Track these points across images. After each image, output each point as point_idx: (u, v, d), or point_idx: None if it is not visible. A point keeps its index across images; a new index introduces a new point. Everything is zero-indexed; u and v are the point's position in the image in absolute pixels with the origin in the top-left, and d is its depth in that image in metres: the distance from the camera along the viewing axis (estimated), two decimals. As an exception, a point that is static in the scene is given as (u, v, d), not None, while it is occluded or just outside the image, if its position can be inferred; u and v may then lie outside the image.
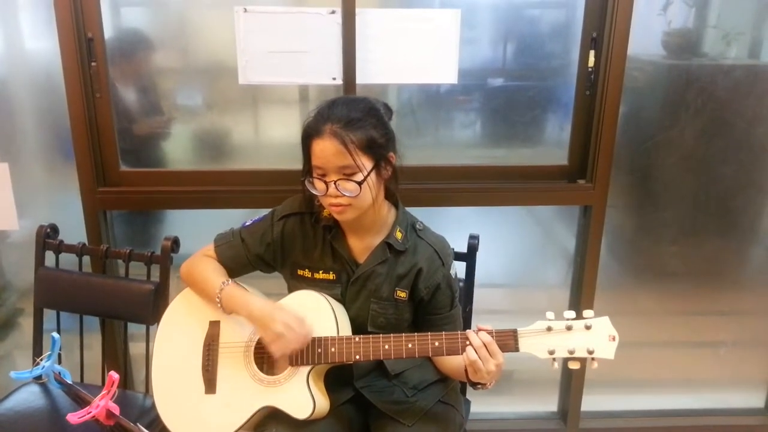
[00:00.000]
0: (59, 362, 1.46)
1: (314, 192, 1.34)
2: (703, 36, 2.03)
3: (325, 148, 1.29)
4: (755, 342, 2.33)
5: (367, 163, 1.31)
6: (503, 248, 2.16)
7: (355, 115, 1.30)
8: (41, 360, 0.99)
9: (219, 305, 1.40)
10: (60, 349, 1.20)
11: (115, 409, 0.89)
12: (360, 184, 1.29)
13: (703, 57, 2.03)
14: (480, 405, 1.85)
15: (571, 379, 2.23)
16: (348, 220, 1.38)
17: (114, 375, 0.87)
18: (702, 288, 2.29)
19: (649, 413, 2.37)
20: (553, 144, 2.05)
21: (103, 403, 0.86)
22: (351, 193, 1.30)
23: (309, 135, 1.32)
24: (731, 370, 2.36)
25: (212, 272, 1.44)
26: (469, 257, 1.73)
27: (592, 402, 2.29)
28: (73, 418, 0.86)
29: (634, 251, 2.24)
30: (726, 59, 2.04)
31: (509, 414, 2.34)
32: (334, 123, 1.29)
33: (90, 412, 0.86)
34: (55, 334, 1.00)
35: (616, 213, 2.06)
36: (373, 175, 1.32)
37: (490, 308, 1.99)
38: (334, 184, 1.30)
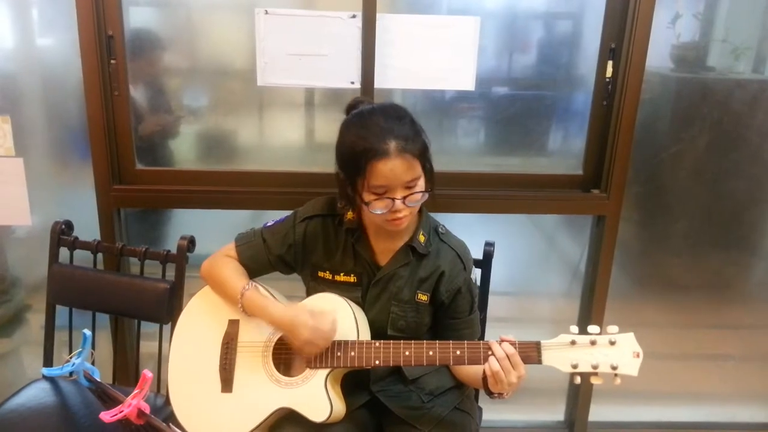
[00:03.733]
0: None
1: (377, 212, 1.30)
2: (711, 49, 2.04)
3: (395, 167, 1.26)
4: (763, 356, 2.34)
5: (421, 171, 1.32)
6: (506, 256, 2.15)
7: (411, 128, 1.31)
8: (71, 357, 0.98)
9: (240, 308, 1.40)
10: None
11: (146, 409, 0.88)
12: (425, 192, 1.31)
13: (711, 71, 2.04)
14: (488, 413, 1.85)
15: (579, 389, 2.22)
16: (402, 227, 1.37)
17: (148, 374, 0.87)
18: (711, 301, 2.29)
19: (656, 425, 2.37)
20: (567, 153, 2.06)
21: (135, 402, 0.86)
22: (418, 203, 1.32)
23: (370, 157, 1.26)
24: (739, 383, 2.36)
25: (233, 274, 1.44)
26: (484, 264, 1.73)
27: (599, 412, 2.28)
28: (106, 416, 0.85)
29: (643, 263, 2.24)
30: (734, 73, 2.05)
31: (516, 422, 2.34)
32: (399, 140, 1.27)
33: (122, 411, 0.86)
34: (87, 331, 0.99)
35: (623, 224, 2.06)
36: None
37: (495, 316, 1.98)
38: (403, 200, 1.29)
